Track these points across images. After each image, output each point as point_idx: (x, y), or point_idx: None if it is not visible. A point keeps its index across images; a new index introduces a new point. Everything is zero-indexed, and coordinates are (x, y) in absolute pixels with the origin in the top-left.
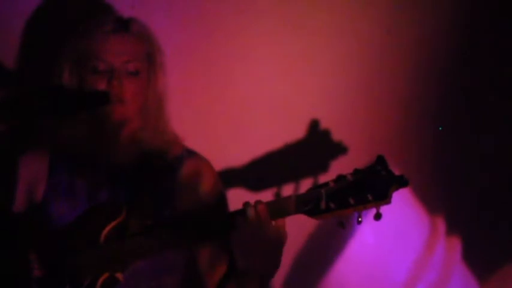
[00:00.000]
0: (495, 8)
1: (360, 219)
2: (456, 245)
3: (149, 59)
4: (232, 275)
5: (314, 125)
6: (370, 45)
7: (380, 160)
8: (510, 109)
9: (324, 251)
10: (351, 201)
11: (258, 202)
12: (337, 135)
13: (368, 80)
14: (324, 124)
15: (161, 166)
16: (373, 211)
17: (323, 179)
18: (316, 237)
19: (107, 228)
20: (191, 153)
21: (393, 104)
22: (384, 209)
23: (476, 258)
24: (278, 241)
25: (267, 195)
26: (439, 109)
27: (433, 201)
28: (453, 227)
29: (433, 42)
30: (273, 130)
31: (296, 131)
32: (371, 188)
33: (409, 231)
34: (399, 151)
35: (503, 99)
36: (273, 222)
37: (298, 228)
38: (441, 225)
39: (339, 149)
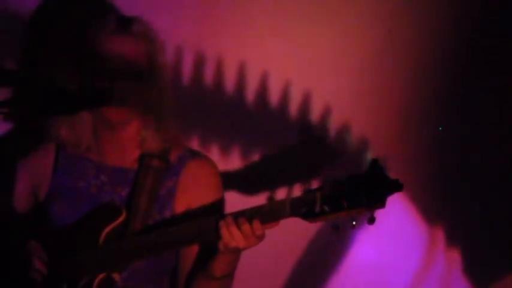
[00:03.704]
0: (496, 8)
1: (353, 222)
2: (456, 257)
3: (151, 58)
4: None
5: (311, 127)
6: (371, 45)
7: (374, 164)
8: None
9: (321, 263)
10: (345, 204)
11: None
12: (336, 137)
13: (369, 81)
14: (322, 126)
15: (162, 167)
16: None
17: (321, 182)
18: (312, 249)
19: (107, 229)
20: (193, 153)
21: (394, 104)
22: (383, 221)
23: (477, 271)
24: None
25: (260, 199)
26: (440, 110)
27: (432, 212)
28: (453, 239)
29: (434, 42)
30: (270, 132)
31: (292, 134)
32: (365, 191)
33: (408, 244)
34: (398, 154)
35: (505, 99)
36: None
37: (296, 239)
38: (441, 237)
39: (336, 153)
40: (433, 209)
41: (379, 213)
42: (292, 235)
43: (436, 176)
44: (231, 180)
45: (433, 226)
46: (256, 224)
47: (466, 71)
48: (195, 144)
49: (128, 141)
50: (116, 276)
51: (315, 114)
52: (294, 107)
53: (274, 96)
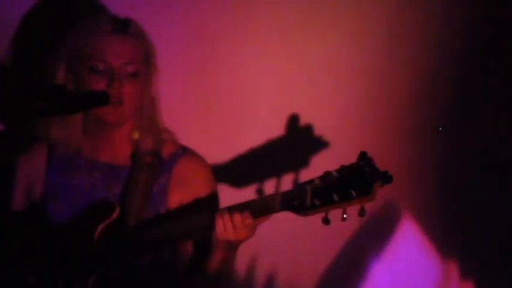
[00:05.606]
0: (497, 9)
1: (344, 215)
2: None
3: (146, 59)
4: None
5: (308, 125)
6: (370, 45)
7: (363, 156)
8: None
9: None
10: (335, 197)
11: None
12: (336, 136)
13: (368, 80)
14: (323, 124)
15: (155, 164)
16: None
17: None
18: (328, 279)
19: (101, 226)
20: (185, 150)
21: (394, 104)
22: (396, 252)
23: None
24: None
25: (251, 193)
26: (441, 110)
27: (446, 243)
28: (467, 272)
29: (434, 42)
30: (270, 131)
31: (293, 132)
32: (355, 184)
33: (421, 276)
34: (403, 159)
35: (507, 99)
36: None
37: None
38: (454, 270)
39: (328, 148)
40: (447, 241)
41: (392, 246)
42: (310, 264)
43: (450, 206)
44: (220, 176)
45: (447, 258)
46: (246, 215)
47: (468, 71)
48: (183, 141)
49: (121, 139)
50: (111, 274)
51: (313, 114)
52: (292, 107)
53: (273, 96)
